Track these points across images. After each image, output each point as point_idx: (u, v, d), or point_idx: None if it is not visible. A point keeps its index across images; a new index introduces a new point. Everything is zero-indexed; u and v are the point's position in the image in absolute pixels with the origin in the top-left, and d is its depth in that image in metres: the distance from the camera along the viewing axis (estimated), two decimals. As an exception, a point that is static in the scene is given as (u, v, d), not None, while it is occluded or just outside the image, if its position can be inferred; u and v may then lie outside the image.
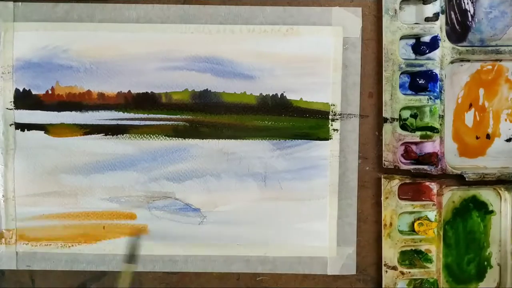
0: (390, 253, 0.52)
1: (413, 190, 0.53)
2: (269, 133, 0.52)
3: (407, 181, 0.51)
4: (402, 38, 0.51)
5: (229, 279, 0.53)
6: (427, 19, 0.51)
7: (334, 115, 0.52)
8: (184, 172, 0.52)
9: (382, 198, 0.51)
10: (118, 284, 0.48)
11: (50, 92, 0.51)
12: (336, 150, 0.52)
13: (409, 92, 0.52)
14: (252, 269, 0.53)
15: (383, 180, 0.51)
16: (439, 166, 0.51)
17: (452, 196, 0.54)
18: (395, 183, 0.51)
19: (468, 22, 0.52)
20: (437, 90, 0.51)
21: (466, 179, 0.51)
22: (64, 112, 0.51)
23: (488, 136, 0.54)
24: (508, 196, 0.53)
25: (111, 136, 0.52)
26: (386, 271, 0.52)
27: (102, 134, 0.52)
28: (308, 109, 0.52)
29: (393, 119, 0.51)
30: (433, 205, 0.51)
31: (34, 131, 0.52)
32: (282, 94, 0.51)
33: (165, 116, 0.52)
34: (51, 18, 0.51)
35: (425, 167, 0.51)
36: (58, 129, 0.52)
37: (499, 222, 0.54)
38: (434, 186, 0.51)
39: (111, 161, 0.52)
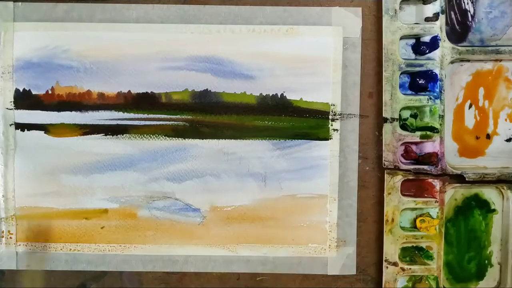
0: (391, 249, 0.52)
1: (415, 187, 0.53)
2: (269, 133, 0.52)
3: (410, 177, 0.51)
4: (402, 38, 0.51)
5: (229, 279, 0.53)
6: (427, 19, 0.51)
7: (334, 115, 0.52)
8: (184, 172, 0.52)
9: (385, 194, 0.51)
10: None
11: (50, 92, 0.51)
12: (336, 150, 0.52)
13: (409, 92, 0.52)
14: (252, 269, 0.53)
15: (386, 176, 0.51)
16: (439, 166, 0.51)
17: (454, 194, 0.54)
18: (398, 179, 0.51)
19: (468, 22, 0.53)
20: (437, 90, 0.51)
21: (466, 179, 0.51)
22: (64, 112, 0.51)
23: (488, 136, 0.54)
24: (510, 195, 0.53)
25: (111, 136, 0.52)
26: (387, 267, 0.52)
27: (102, 134, 0.52)
28: (308, 109, 0.52)
29: (393, 119, 0.51)
30: (435, 202, 0.51)
31: (34, 131, 0.51)
32: (282, 94, 0.51)
33: (165, 116, 0.52)
34: (51, 18, 0.51)
35: (425, 167, 0.51)
36: (58, 129, 0.52)
37: (501, 221, 0.54)
38: (436, 183, 0.51)
39: (111, 161, 0.52)
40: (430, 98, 0.51)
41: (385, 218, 0.51)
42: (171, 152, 0.52)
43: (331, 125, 0.52)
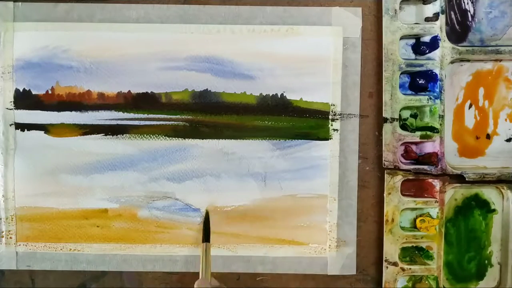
0: (391, 249, 0.52)
1: (415, 187, 0.53)
2: (269, 133, 0.52)
3: (410, 177, 0.51)
4: (402, 38, 0.51)
5: (229, 279, 0.53)
6: (427, 19, 0.51)
7: (334, 115, 0.52)
8: (184, 172, 0.52)
9: (385, 194, 0.51)
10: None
11: (50, 92, 0.51)
12: (336, 150, 0.52)
13: (409, 92, 0.52)
14: (252, 269, 0.53)
15: (386, 176, 0.51)
16: (439, 166, 0.51)
17: (454, 194, 0.54)
18: (398, 179, 0.51)
19: (468, 22, 0.53)
20: (437, 90, 0.51)
21: (466, 179, 0.51)
22: (64, 112, 0.51)
23: (488, 136, 0.54)
24: (510, 195, 0.53)
25: (111, 136, 0.52)
26: (387, 267, 0.52)
27: (102, 134, 0.52)
28: (308, 109, 0.52)
29: (393, 119, 0.51)
30: (435, 202, 0.51)
31: (34, 131, 0.51)
32: (282, 94, 0.51)
33: (165, 116, 0.52)
34: (51, 18, 0.51)
35: (425, 167, 0.51)
36: (58, 129, 0.52)
37: (501, 221, 0.54)
38: (436, 183, 0.51)
39: (111, 161, 0.52)
40: (430, 98, 0.51)
41: (385, 218, 0.51)
42: (171, 152, 0.52)
43: (331, 125, 0.52)
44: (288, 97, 0.52)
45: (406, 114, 0.53)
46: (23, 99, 0.51)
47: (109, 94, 0.51)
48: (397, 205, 0.51)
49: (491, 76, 0.53)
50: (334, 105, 0.51)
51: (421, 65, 0.51)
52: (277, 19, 0.51)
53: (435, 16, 0.50)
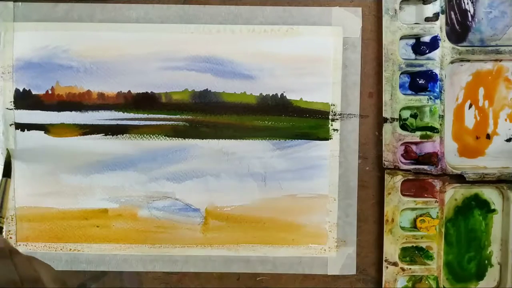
0: (391, 249, 0.52)
1: (415, 187, 0.53)
2: (269, 133, 0.52)
3: (410, 177, 0.51)
4: (402, 38, 0.51)
5: (229, 279, 0.53)
6: (427, 19, 0.51)
7: (334, 115, 0.52)
8: (184, 172, 0.52)
9: (385, 194, 0.51)
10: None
11: (50, 92, 0.51)
12: (336, 150, 0.52)
13: (409, 92, 0.52)
14: (252, 269, 0.53)
15: (386, 176, 0.51)
16: (439, 166, 0.51)
17: (454, 194, 0.54)
18: (398, 179, 0.51)
19: (468, 22, 0.53)
20: (437, 90, 0.51)
21: (466, 179, 0.51)
22: (64, 112, 0.51)
23: (488, 136, 0.54)
24: (510, 195, 0.53)
25: (111, 136, 0.52)
26: (387, 267, 0.52)
27: (102, 134, 0.52)
28: (308, 109, 0.52)
29: (393, 119, 0.51)
30: (435, 202, 0.51)
31: (34, 131, 0.51)
32: (282, 94, 0.51)
33: (165, 116, 0.52)
34: (51, 18, 0.51)
35: (425, 167, 0.51)
36: (58, 129, 0.52)
37: (501, 221, 0.54)
38: (436, 183, 0.51)
39: (111, 161, 0.52)
40: (430, 98, 0.51)
41: (385, 218, 0.51)
42: (171, 152, 0.52)
43: (331, 125, 0.52)
44: (288, 97, 0.52)
45: (406, 114, 0.53)
46: (23, 99, 0.51)
47: (109, 94, 0.51)
48: (397, 205, 0.51)
49: (491, 76, 0.53)
50: (334, 105, 0.51)
51: (421, 65, 0.51)
52: (277, 19, 0.51)
53: (435, 16, 0.50)
